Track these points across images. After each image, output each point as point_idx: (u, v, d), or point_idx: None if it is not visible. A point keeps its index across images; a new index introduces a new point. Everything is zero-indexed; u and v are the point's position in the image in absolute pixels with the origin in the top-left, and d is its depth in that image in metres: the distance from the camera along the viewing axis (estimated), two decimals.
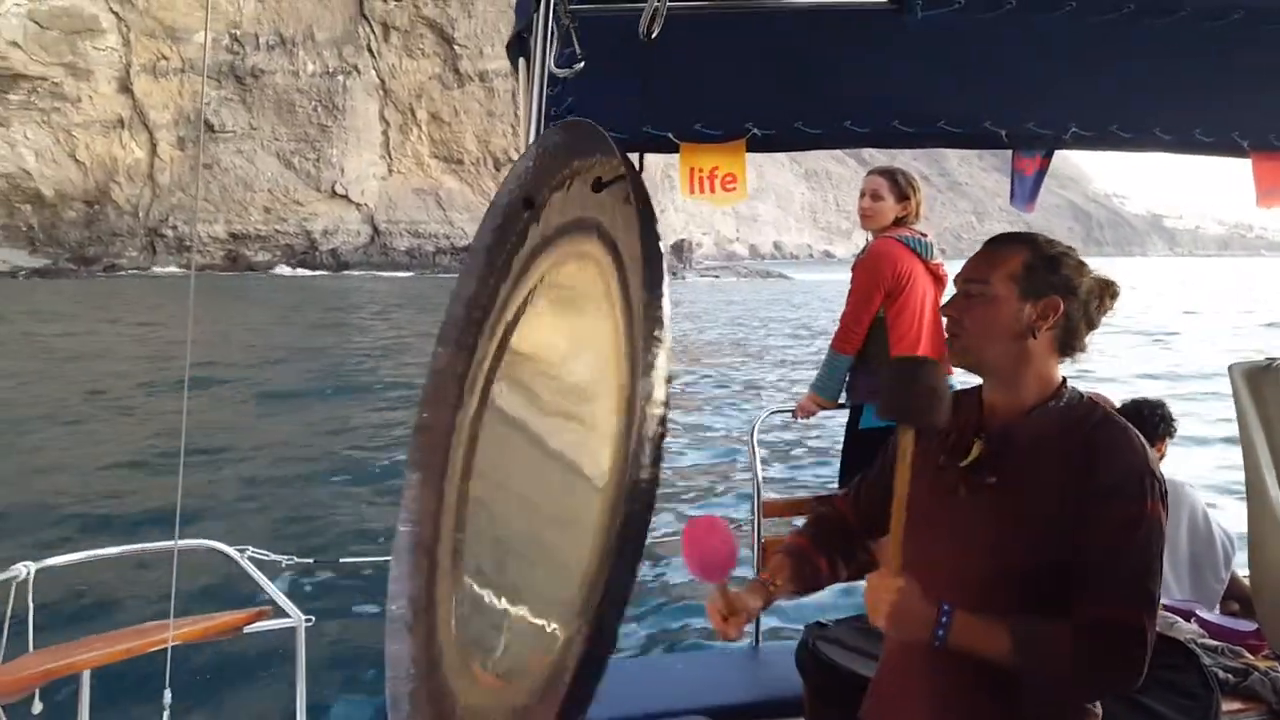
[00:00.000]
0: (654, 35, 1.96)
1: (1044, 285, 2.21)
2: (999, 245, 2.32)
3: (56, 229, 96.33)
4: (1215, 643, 3.83)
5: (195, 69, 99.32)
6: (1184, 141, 3.90)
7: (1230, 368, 3.71)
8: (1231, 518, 4.47)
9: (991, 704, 2.15)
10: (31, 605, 3.46)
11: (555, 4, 2.21)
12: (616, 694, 4.02)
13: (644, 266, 1.23)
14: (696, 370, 26.23)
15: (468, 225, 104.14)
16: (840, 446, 5.70)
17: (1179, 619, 4.00)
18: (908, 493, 2.11)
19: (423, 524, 1.84)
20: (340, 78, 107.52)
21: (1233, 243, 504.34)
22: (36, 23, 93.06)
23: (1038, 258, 2.23)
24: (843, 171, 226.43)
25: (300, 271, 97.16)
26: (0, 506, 11.47)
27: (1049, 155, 4.20)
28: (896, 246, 5.22)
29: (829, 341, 5.45)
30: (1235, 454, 3.74)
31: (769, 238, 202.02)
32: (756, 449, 5.09)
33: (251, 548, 4.12)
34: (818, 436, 14.72)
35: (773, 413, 6.23)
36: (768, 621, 5.52)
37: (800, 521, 4.90)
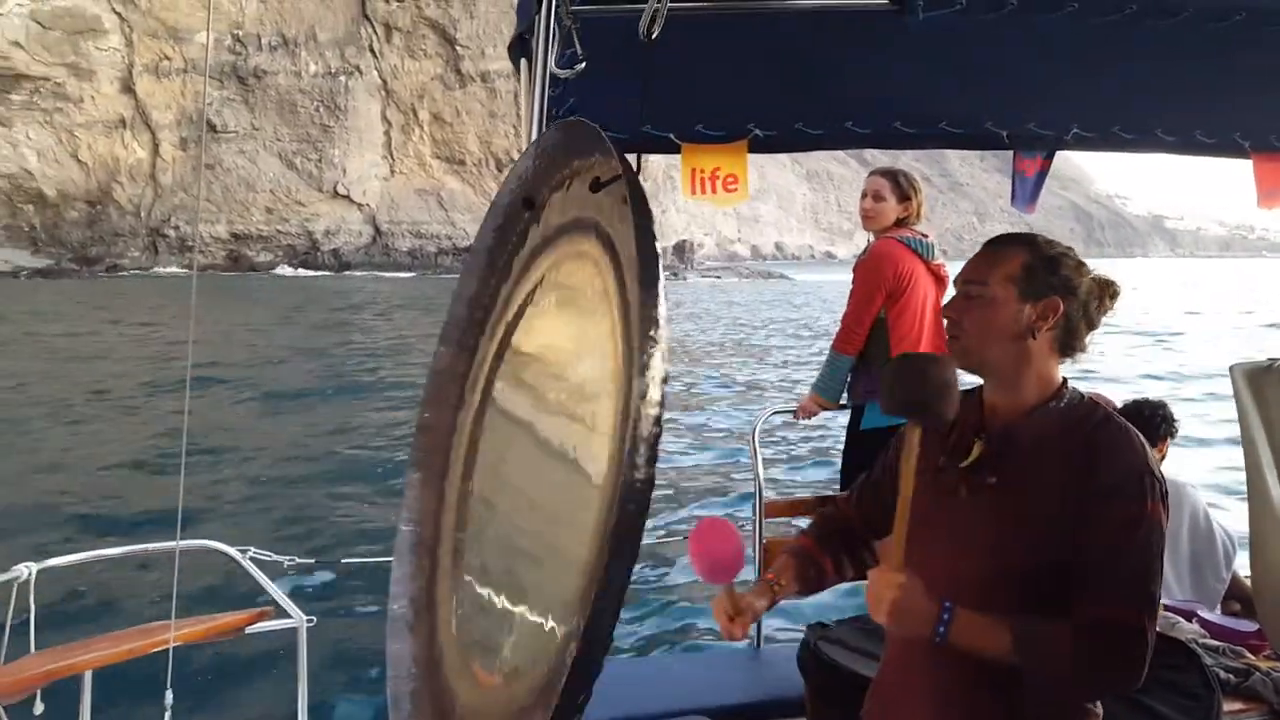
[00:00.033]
0: (654, 36, 1.96)
1: (1043, 286, 2.21)
2: (998, 246, 2.32)
3: (59, 229, 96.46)
4: (1216, 643, 3.83)
5: (197, 69, 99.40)
6: (1185, 143, 3.90)
7: (1231, 368, 3.70)
8: (1235, 518, 4.47)
9: (992, 702, 2.15)
10: (33, 606, 3.46)
11: (557, 5, 2.21)
12: (618, 694, 4.03)
13: (639, 266, 1.23)
14: (698, 370, 26.23)
15: (469, 226, 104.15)
16: (841, 447, 5.71)
17: (1180, 619, 4.00)
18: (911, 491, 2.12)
19: (424, 524, 1.84)
20: (342, 78, 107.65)
21: (1234, 244, 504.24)
22: (39, 23, 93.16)
23: (1037, 258, 2.24)
24: (844, 172, 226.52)
25: (302, 272, 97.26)
26: (2, 506, 11.48)
27: (1050, 156, 4.20)
28: (898, 247, 5.21)
29: (830, 342, 5.45)
30: (1238, 454, 3.74)
31: (771, 238, 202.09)
32: (758, 449, 5.09)
33: (253, 548, 4.12)
34: (820, 437, 14.72)
35: (774, 413, 6.21)
36: (769, 622, 5.51)
37: (802, 522, 4.93)
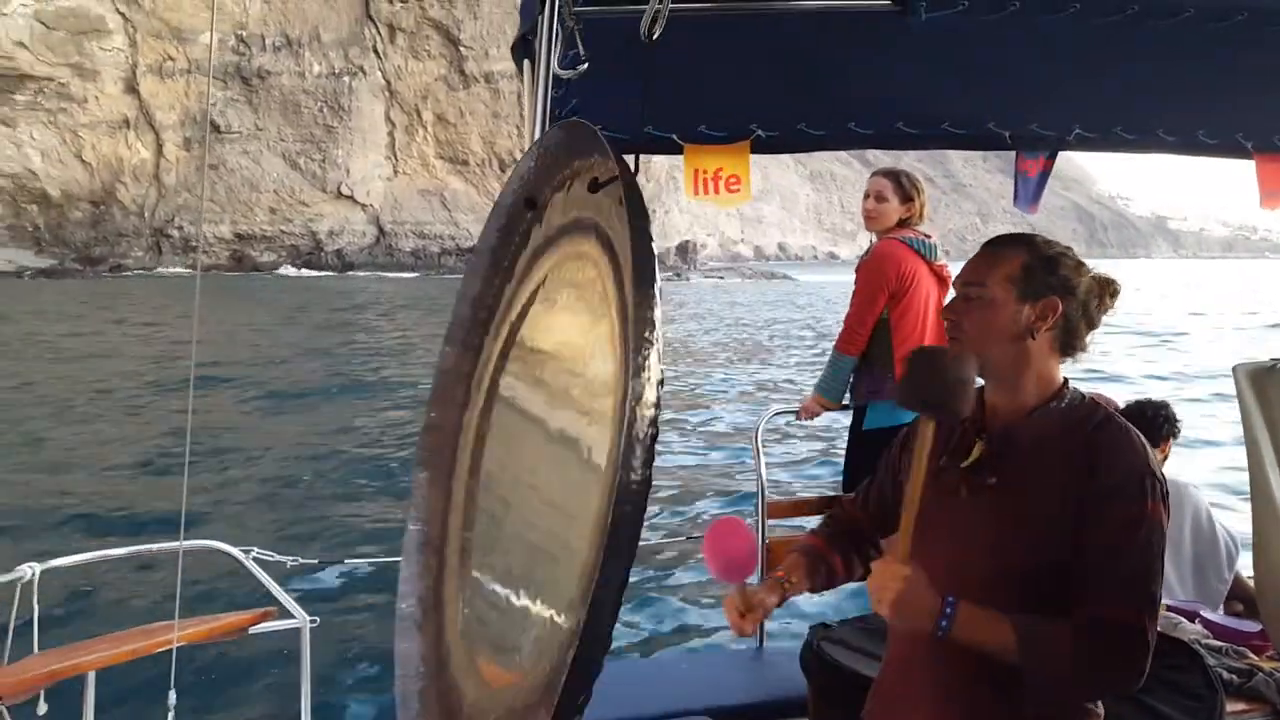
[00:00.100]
0: (655, 37, 1.96)
1: (1042, 286, 2.22)
2: (997, 247, 2.33)
3: (62, 229, 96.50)
4: (1219, 643, 3.83)
5: (201, 70, 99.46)
6: (1188, 143, 3.90)
7: (1235, 368, 3.70)
8: (1241, 518, 4.47)
9: (993, 700, 2.16)
10: (36, 606, 3.47)
11: (560, 6, 2.21)
12: (620, 694, 4.03)
13: (634, 268, 1.23)
14: (700, 370, 26.24)
15: (473, 226, 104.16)
16: (844, 447, 5.71)
17: (1183, 620, 4.00)
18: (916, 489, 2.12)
19: (431, 523, 1.85)
20: (346, 79, 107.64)
21: (1237, 245, 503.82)
22: (43, 23, 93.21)
23: (1035, 259, 2.24)
24: (847, 173, 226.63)
25: (305, 272, 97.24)
26: (5, 507, 11.49)
27: (1052, 157, 4.20)
28: (900, 248, 5.22)
29: (833, 343, 5.45)
30: (1243, 455, 3.74)
31: (773, 239, 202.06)
32: (760, 450, 5.09)
33: (256, 548, 4.13)
34: (824, 437, 14.71)
35: (777, 413, 6.21)
36: (772, 622, 5.52)
37: (804, 522, 4.93)
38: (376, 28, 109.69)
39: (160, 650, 3.42)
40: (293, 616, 3.89)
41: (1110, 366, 25.01)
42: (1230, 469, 10.53)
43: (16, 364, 26.11)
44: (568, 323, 1.60)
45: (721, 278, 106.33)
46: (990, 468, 2.20)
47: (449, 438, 1.87)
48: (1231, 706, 3.38)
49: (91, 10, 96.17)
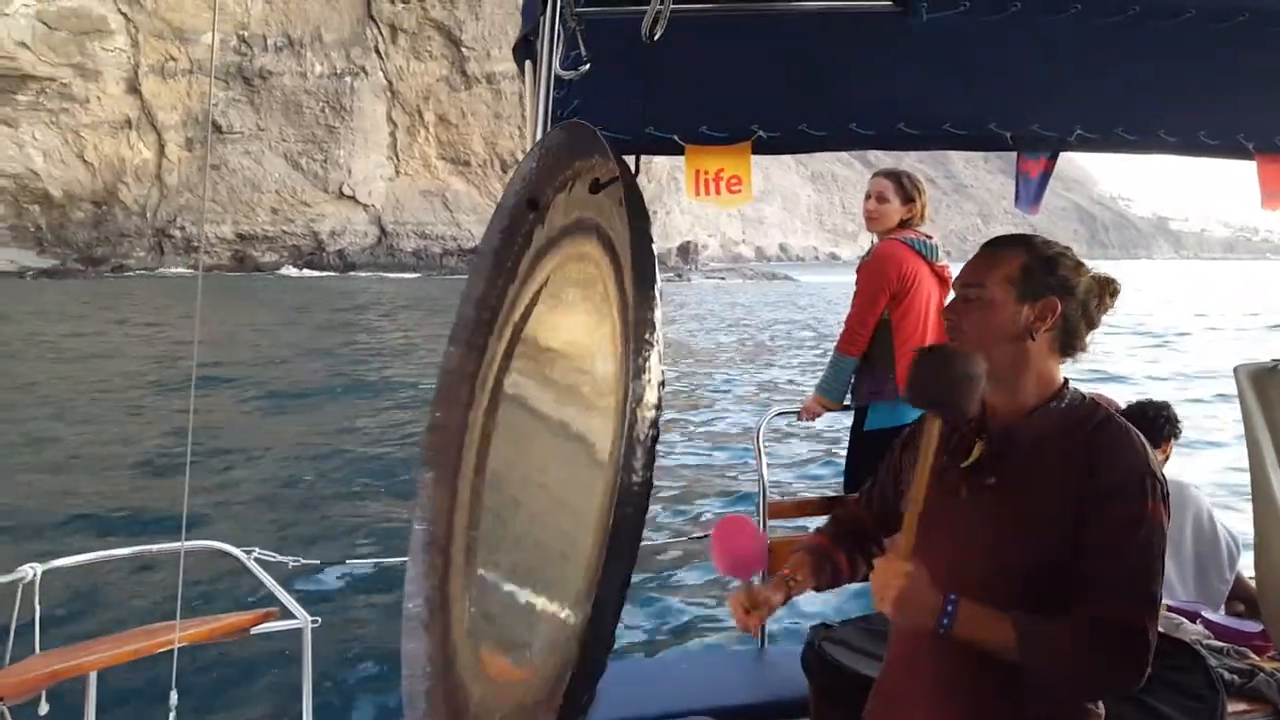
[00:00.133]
0: (656, 38, 1.96)
1: (1041, 287, 2.22)
2: (995, 248, 2.33)
3: (64, 229, 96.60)
4: (1221, 644, 3.83)
5: (203, 70, 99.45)
6: (1189, 144, 3.90)
7: (1236, 369, 3.70)
8: (1243, 519, 4.47)
9: (995, 698, 2.16)
10: (38, 606, 3.47)
11: (562, 6, 2.21)
12: (622, 694, 4.03)
13: (634, 270, 1.23)
14: (701, 371, 26.25)
15: (474, 227, 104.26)
16: (845, 448, 5.71)
17: (1184, 620, 4.00)
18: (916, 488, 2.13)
19: (437, 522, 1.85)
20: (348, 79, 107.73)
21: (1238, 246, 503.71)
22: (45, 23, 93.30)
23: (1034, 259, 2.24)
24: (849, 174, 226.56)
25: (307, 272, 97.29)
26: (7, 507, 11.50)
27: (1054, 157, 4.19)
28: (901, 248, 5.21)
29: (834, 343, 5.45)
30: (1244, 455, 3.74)
31: (775, 240, 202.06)
32: (762, 450, 5.10)
33: (258, 549, 4.13)
34: (828, 438, 14.71)
35: (778, 414, 6.21)
36: (773, 623, 5.52)
37: (805, 523, 4.93)
38: (378, 28, 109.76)
39: (162, 650, 3.42)
40: (294, 617, 3.89)
41: (1112, 367, 25.04)
42: (1232, 469, 10.55)
43: (19, 364, 26.14)
44: (571, 323, 1.60)
45: (723, 278, 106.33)
46: (990, 468, 2.20)
47: (454, 437, 1.87)
48: (1233, 707, 3.38)
49: (93, 10, 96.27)
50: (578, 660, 1.12)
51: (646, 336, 1.14)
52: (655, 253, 1.24)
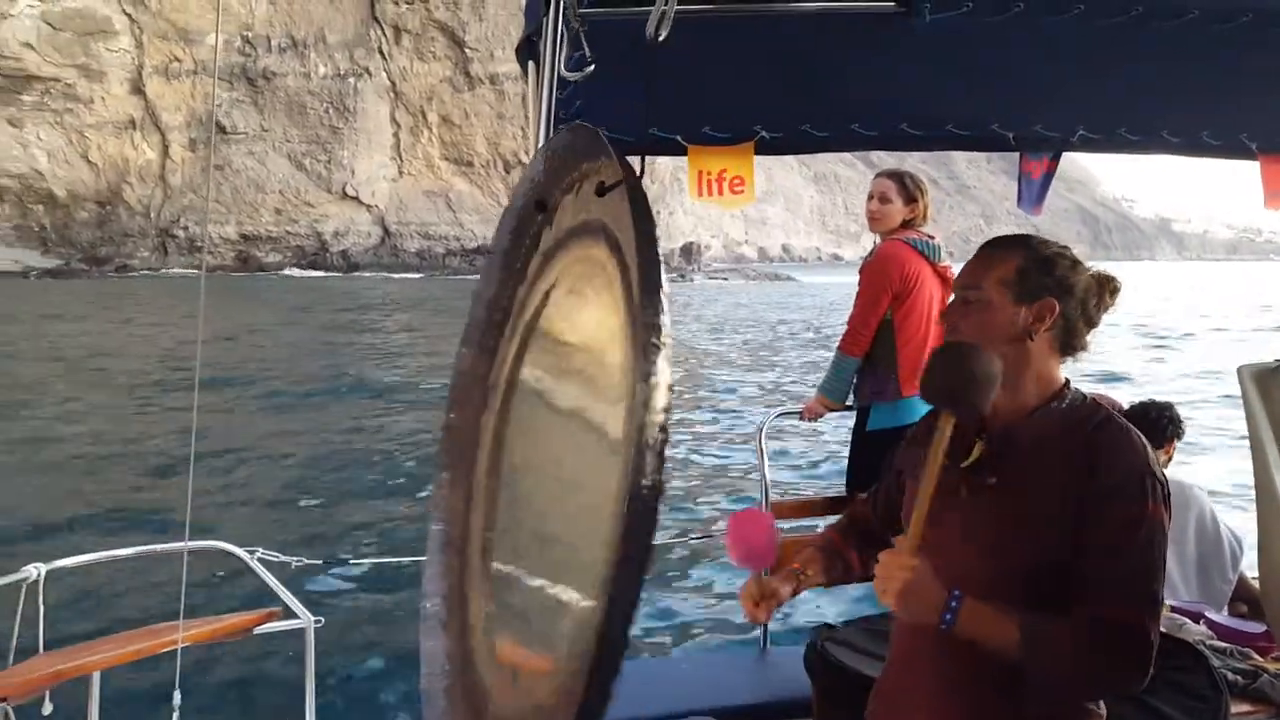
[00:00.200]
0: (661, 39, 1.96)
1: (1038, 287, 2.21)
2: (993, 250, 2.33)
3: (69, 229, 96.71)
4: (1224, 644, 3.83)
5: (207, 71, 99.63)
6: (1192, 144, 3.89)
7: (1239, 369, 3.70)
8: (1247, 519, 4.47)
9: (997, 696, 2.15)
10: (42, 606, 3.48)
11: (565, 7, 2.21)
12: (624, 694, 4.01)
13: (640, 273, 1.23)
14: (703, 371, 26.25)
15: (477, 227, 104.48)
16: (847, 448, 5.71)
17: (1187, 620, 4.00)
18: (919, 486, 2.13)
19: (453, 523, 1.85)
20: (351, 80, 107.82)
21: (1241, 247, 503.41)
22: (49, 24, 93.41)
23: (1031, 260, 2.24)
24: (851, 175, 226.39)
25: (311, 272, 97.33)
26: (10, 507, 11.51)
27: (1056, 158, 4.19)
28: (904, 249, 5.21)
29: (836, 344, 5.46)
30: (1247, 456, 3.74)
31: (777, 240, 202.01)
32: (764, 450, 5.10)
33: (261, 549, 4.14)
34: (831, 438, 14.71)
35: (780, 414, 6.22)
36: (775, 624, 5.52)
37: (808, 523, 4.94)
38: (382, 29, 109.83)
39: (165, 651, 3.43)
40: (297, 617, 3.90)
41: (1114, 367, 25.04)
42: (1237, 470, 10.55)
43: (22, 364, 26.16)
44: (580, 323, 1.60)
45: (725, 279, 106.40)
46: (990, 468, 2.20)
47: (469, 438, 1.87)
48: (1236, 708, 3.37)
49: (98, 11, 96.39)
50: (592, 665, 1.12)
51: (654, 340, 1.14)
52: (661, 256, 1.24)
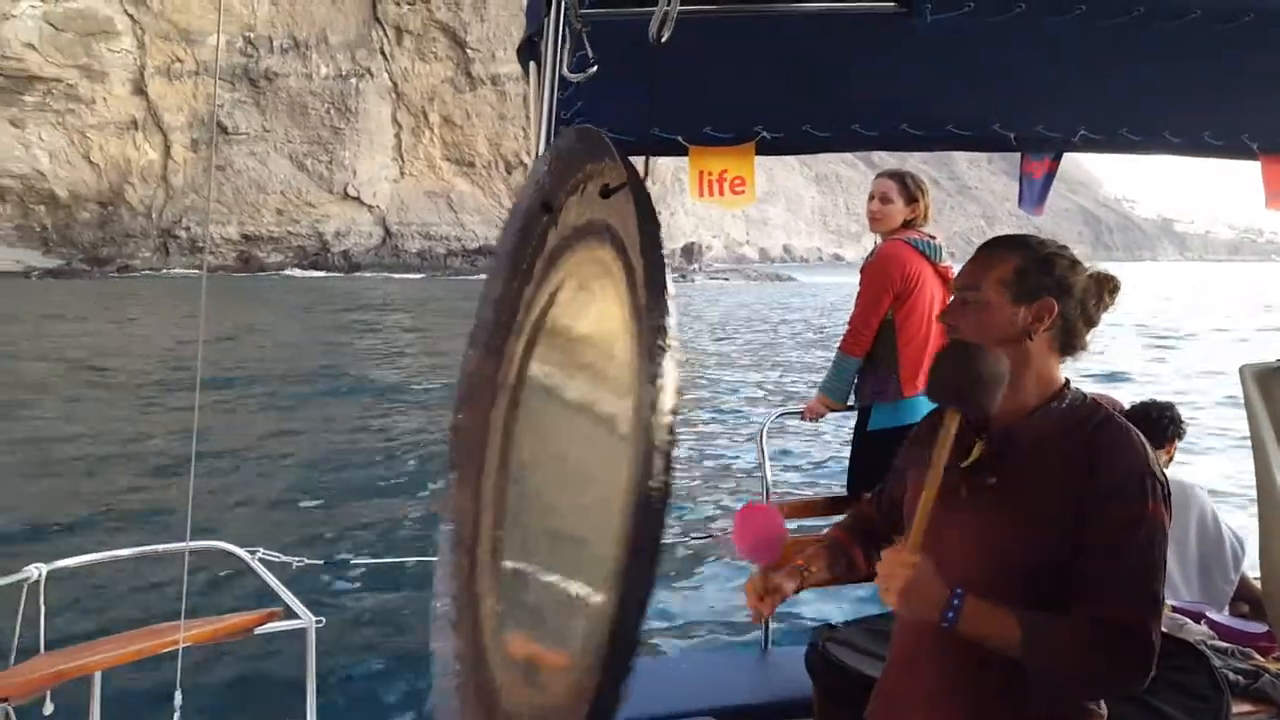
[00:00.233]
0: (664, 39, 1.96)
1: (1037, 287, 2.21)
2: (992, 250, 2.33)
3: (70, 230, 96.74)
4: (1225, 644, 3.83)
5: (209, 71, 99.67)
6: (1193, 144, 3.89)
7: (1241, 369, 3.70)
8: (1249, 518, 4.48)
9: (998, 695, 2.15)
10: (43, 606, 3.48)
11: (566, 8, 2.21)
12: None
13: (646, 275, 1.23)
14: (704, 372, 26.24)
15: (479, 228, 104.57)
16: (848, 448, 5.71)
17: (1189, 620, 4.00)
18: (918, 487, 2.13)
19: (462, 523, 1.86)
20: (353, 80, 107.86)
21: (1243, 247, 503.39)
22: (51, 25, 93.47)
23: (1029, 260, 2.24)
24: (853, 175, 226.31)
25: (312, 273, 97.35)
26: (11, 507, 11.52)
27: (1058, 158, 4.20)
28: (905, 249, 5.21)
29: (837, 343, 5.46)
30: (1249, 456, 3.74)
31: (779, 241, 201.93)
32: (765, 450, 5.10)
33: (262, 549, 4.14)
34: (833, 439, 14.71)
35: (782, 414, 6.23)
36: (777, 623, 5.53)
37: (809, 523, 4.93)
38: (384, 30, 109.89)
39: (166, 651, 3.43)
40: (298, 617, 3.90)
41: (1116, 367, 25.04)
42: (1238, 471, 10.54)
43: (23, 364, 26.18)
44: (587, 325, 1.60)
45: (726, 279, 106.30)
46: (990, 468, 2.19)
47: (477, 438, 1.87)
48: (1237, 708, 3.37)
49: (100, 12, 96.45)
50: (604, 667, 1.13)
51: (660, 342, 1.14)
52: (666, 258, 1.24)
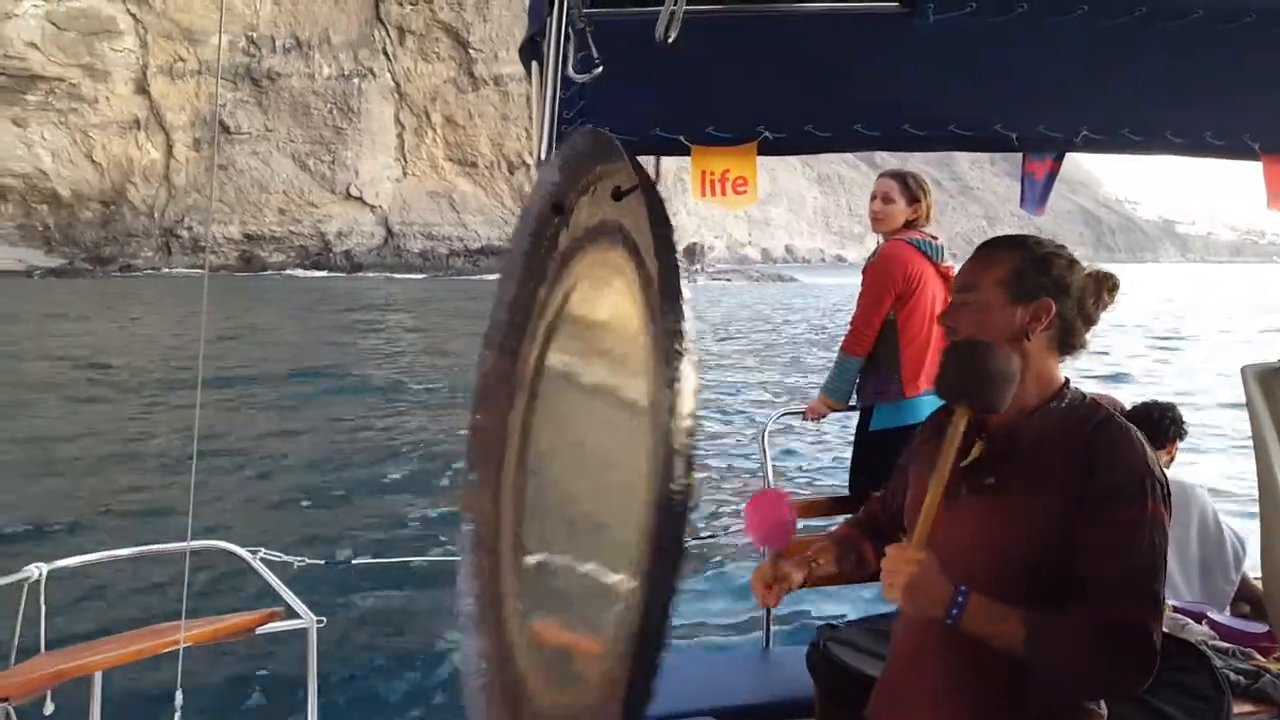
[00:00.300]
0: (671, 39, 1.96)
1: (1035, 287, 2.22)
2: (990, 250, 2.34)
3: (73, 229, 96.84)
4: (1226, 645, 3.83)
5: (211, 71, 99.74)
6: (1195, 145, 3.89)
7: (1243, 369, 3.69)
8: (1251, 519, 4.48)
9: (996, 696, 2.16)
10: (44, 606, 3.48)
11: (569, 8, 2.21)
12: None
13: (660, 279, 1.24)
14: (706, 372, 26.23)
15: (481, 228, 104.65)
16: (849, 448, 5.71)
17: (1190, 621, 3.99)
18: (920, 485, 2.14)
19: (483, 523, 1.86)
20: (355, 80, 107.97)
21: (1244, 249, 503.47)
22: (54, 24, 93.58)
23: (1027, 260, 2.25)
24: (855, 176, 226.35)
25: (314, 273, 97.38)
26: (12, 506, 11.52)
27: (1060, 158, 4.19)
28: (907, 249, 5.21)
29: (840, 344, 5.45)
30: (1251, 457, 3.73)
31: (781, 241, 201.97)
32: (767, 450, 5.10)
33: (263, 549, 4.14)
34: (835, 438, 14.70)
35: (783, 414, 6.23)
36: (778, 624, 5.52)
37: (811, 524, 4.93)
38: (386, 30, 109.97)
39: (167, 650, 3.43)
40: (299, 617, 3.90)
41: (1119, 367, 25.03)
42: (1240, 471, 10.54)
43: (25, 363, 26.19)
44: (601, 324, 1.60)
45: (729, 280, 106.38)
46: (990, 467, 2.20)
47: (495, 437, 1.88)
48: (1238, 708, 3.37)
49: (102, 11, 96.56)
50: (631, 672, 1.13)
51: (676, 346, 1.15)
52: (680, 263, 1.24)
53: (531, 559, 1.72)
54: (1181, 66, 3.06)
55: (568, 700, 1.45)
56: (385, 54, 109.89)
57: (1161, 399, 4.81)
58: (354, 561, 7.43)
